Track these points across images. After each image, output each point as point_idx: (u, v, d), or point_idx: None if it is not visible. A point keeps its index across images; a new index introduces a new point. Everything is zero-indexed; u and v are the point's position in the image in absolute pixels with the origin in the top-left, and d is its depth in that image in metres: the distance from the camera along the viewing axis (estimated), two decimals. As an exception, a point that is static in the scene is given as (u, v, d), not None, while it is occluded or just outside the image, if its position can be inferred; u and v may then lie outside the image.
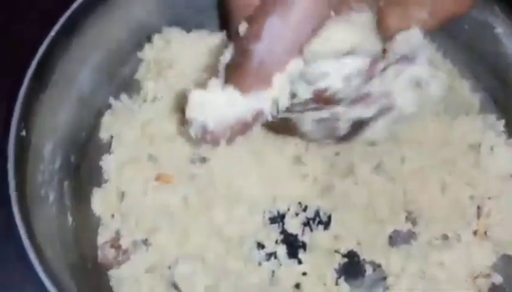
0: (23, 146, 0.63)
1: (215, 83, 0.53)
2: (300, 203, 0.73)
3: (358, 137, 0.59)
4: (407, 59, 0.54)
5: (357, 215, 0.71)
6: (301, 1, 0.49)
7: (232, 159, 0.73)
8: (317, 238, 0.71)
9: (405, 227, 0.71)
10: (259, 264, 0.71)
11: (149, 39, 0.77)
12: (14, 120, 0.62)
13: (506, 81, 0.73)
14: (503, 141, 0.72)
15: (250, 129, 0.54)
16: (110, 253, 0.70)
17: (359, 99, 0.54)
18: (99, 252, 0.71)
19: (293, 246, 0.72)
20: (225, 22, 0.59)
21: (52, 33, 0.66)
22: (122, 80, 0.78)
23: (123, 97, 0.77)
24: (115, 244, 0.70)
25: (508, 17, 0.69)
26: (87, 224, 0.71)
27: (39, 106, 0.65)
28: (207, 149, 0.55)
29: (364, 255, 0.70)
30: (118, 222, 0.71)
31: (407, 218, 0.71)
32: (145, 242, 0.70)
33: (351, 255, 0.71)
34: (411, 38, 0.55)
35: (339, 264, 0.70)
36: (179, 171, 0.73)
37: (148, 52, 0.78)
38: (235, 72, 0.52)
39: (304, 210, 0.73)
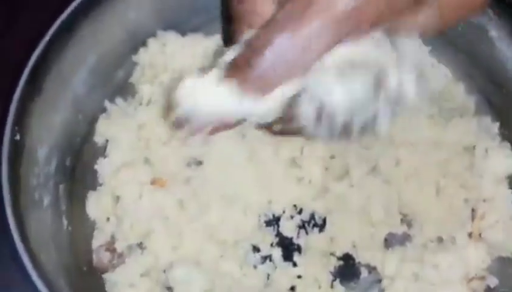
0: (17, 149, 0.63)
1: (215, 74, 0.52)
2: (295, 206, 0.73)
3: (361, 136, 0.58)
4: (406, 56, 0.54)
5: (353, 218, 0.71)
6: (310, 25, 0.48)
7: (227, 162, 0.73)
8: (312, 240, 0.71)
9: (400, 229, 0.71)
10: (255, 267, 0.71)
11: (144, 42, 0.77)
12: (8, 123, 0.62)
13: (500, 83, 0.73)
14: (497, 143, 0.72)
15: (230, 128, 0.54)
16: (106, 256, 0.70)
17: None
18: (94, 256, 0.71)
19: (288, 248, 0.72)
20: (226, 25, 0.59)
21: (47, 37, 0.66)
22: (117, 84, 0.78)
23: (118, 100, 0.77)
24: (110, 247, 0.70)
25: (502, 20, 0.69)
26: (82, 227, 0.71)
27: (33, 109, 0.65)
28: (184, 135, 0.55)
29: (359, 257, 0.71)
30: (114, 225, 0.71)
31: (402, 221, 0.71)
32: (140, 246, 0.70)
33: (347, 258, 0.71)
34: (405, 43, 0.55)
35: (334, 267, 0.70)
36: (174, 175, 0.73)
37: (143, 56, 0.77)
38: (240, 66, 0.50)
39: (300, 212, 0.73)
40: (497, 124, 0.74)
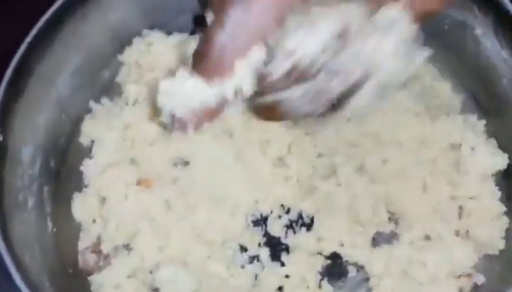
0: (0, 151, 0.62)
1: (182, 72, 0.54)
2: (282, 205, 0.73)
3: (345, 110, 0.58)
4: (388, 25, 0.54)
5: (340, 217, 0.71)
6: None
7: (214, 162, 0.73)
8: (299, 240, 0.71)
9: (387, 228, 0.71)
10: (242, 267, 0.70)
11: (129, 42, 0.77)
12: (-10, 125, 0.61)
13: (486, 81, 0.73)
14: (483, 141, 0.72)
15: (217, 116, 0.56)
16: (91, 258, 0.70)
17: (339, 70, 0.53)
18: (80, 258, 0.70)
19: (276, 248, 0.72)
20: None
21: (30, 37, 0.65)
22: (103, 84, 0.78)
23: (104, 100, 0.76)
24: (96, 249, 0.70)
25: (487, 18, 0.69)
26: (67, 229, 0.71)
27: (16, 110, 0.65)
28: (178, 134, 0.57)
29: (347, 256, 0.70)
30: (99, 227, 0.71)
31: (389, 219, 0.71)
32: (126, 247, 0.70)
33: (334, 257, 0.71)
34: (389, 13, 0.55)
35: (322, 266, 0.70)
36: (160, 175, 0.72)
37: (128, 55, 0.77)
38: (199, 60, 0.54)
39: (287, 212, 0.73)
40: (483, 121, 0.74)
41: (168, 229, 0.69)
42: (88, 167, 0.73)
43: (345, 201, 0.71)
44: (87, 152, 0.75)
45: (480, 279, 0.68)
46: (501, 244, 0.69)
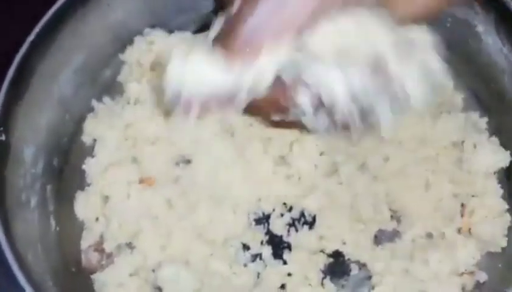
0: (2, 150, 0.62)
1: (201, 49, 0.51)
2: (284, 204, 0.73)
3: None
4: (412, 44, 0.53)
5: (342, 215, 0.71)
6: None
7: (216, 160, 0.73)
8: (302, 238, 0.71)
9: (389, 226, 0.71)
10: (245, 266, 0.70)
11: (131, 41, 0.77)
12: (-8, 124, 0.62)
13: (488, 79, 0.73)
14: (485, 138, 0.72)
15: (223, 108, 0.52)
16: (94, 257, 0.70)
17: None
18: (83, 256, 0.70)
19: (278, 246, 0.72)
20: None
21: (32, 36, 0.65)
22: (104, 83, 0.77)
23: (106, 99, 0.76)
24: (98, 248, 0.70)
25: (489, 15, 0.69)
26: (70, 228, 0.71)
27: (19, 109, 0.64)
28: (179, 120, 0.53)
29: (349, 254, 0.70)
30: (102, 226, 0.71)
31: (391, 217, 0.71)
32: (129, 245, 0.70)
33: (336, 255, 0.71)
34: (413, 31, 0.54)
35: (324, 264, 0.70)
36: (162, 174, 0.72)
37: (130, 54, 0.77)
38: (225, 36, 0.49)
39: (289, 210, 0.73)
40: (485, 119, 0.74)
41: (171, 228, 0.70)
42: (90, 166, 0.73)
43: (347, 199, 0.71)
44: (89, 151, 0.75)
45: (483, 277, 0.68)
46: (503, 242, 0.68)
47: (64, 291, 0.64)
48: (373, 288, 0.69)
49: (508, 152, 0.71)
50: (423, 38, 0.54)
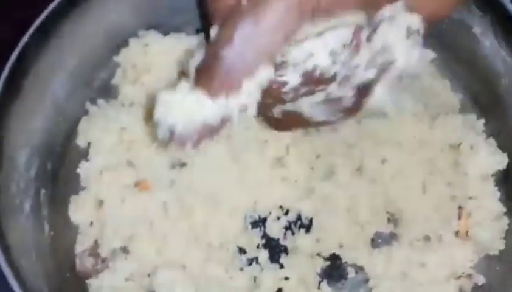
0: (-5, 155, 0.61)
1: (183, 86, 0.52)
2: (281, 207, 0.73)
3: (364, 107, 0.57)
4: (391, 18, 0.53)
5: (339, 218, 0.70)
6: (273, 9, 0.48)
7: (212, 164, 0.72)
8: (298, 241, 0.71)
9: (387, 228, 0.71)
10: (241, 269, 0.70)
11: (125, 43, 0.76)
12: (-16, 128, 0.61)
13: (485, 80, 0.73)
14: (483, 140, 0.72)
15: (217, 134, 0.53)
16: (89, 262, 0.69)
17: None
18: (77, 261, 0.70)
19: (275, 250, 0.71)
20: (205, 23, 0.59)
21: (25, 38, 0.65)
22: (99, 85, 0.77)
23: (100, 102, 0.76)
24: (93, 252, 0.69)
25: (485, 17, 0.68)
26: (64, 233, 0.70)
27: (11, 113, 0.64)
28: (175, 150, 0.55)
29: (346, 258, 0.70)
30: (97, 230, 0.70)
31: (388, 220, 0.71)
32: (124, 250, 0.69)
33: (333, 258, 0.70)
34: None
35: (321, 267, 0.70)
36: (157, 177, 0.72)
37: (124, 56, 0.76)
38: (204, 75, 0.51)
39: (286, 213, 0.73)
40: (482, 121, 0.74)
41: (166, 232, 0.69)
42: (85, 170, 0.73)
43: (343, 202, 0.71)
44: (84, 154, 0.74)
45: (481, 280, 0.68)
46: (501, 245, 0.68)
47: (58, 296, 0.63)
48: (370, 291, 0.69)
49: (505, 154, 0.70)
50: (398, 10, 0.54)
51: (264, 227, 0.72)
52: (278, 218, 0.72)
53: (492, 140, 0.72)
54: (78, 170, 0.73)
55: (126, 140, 0.73)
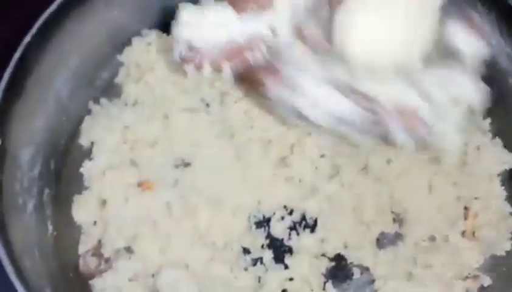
0: (-1, 154, 0.61)
1: (210, 3, 0.49)
2: (285, 206, 0.72)
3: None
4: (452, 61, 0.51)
5: (344, 218, 0.70)
6: None
7: (215, 163, 0.72)
8: (303, 242, 0.70)
9: (392, 228, 0.70)
10: (245, 270, 0.69)
11: (129, 41, 0.76)
12: (-12, 128, 0.61)
13: (490, 79, 0.72)
14: (489, 140, 0.71)
15: (241, 56, 0.49)
16: (92, 262, 0.69)
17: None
18: (80, 261, 0.69)
19: (279, 250, 0.71)
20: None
21: (27, 38, 0.64)
22: (102, 84, 0.77)
23: (103, 101, 0.75)
24: (97, 252, 0.69)
25: (491, 15, 0.68)
26: (68, 232, 0.70)
27: (15, 112, 0.64)
28: (192, 74, 0.51)
29: (351, 258, 0.70)
30: (100, 230, 0.70)
31: (394, 220, 0.70)
32: (128, 250, 0.69)
33: (338, 259, 0.70)
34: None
35: (326, 268, 0.69)
36: (161, 177, 0.71)
37: (128, 55, 0.76)
38: None
39: (290, 213, 0.72)
40: (488, 120, 0.73)
41: (170, 232, 0.69)
42: (88, 169, 0.72)
43: (348, 202, 0.70)
44: (87, 154, 0.74)
45: (487, 281, 0.68)
46: (507, 245, 0.68)
47: (62, 297, 0.63)
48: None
49: (512, 154, 0.70)
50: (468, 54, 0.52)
51: (269, 227, 0.72)
52: (283, 218, 0.72)
53: (498, 140, 0.72)
54: (81, 170, 0.72)
55: (130, 139, 0.73)
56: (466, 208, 0.70)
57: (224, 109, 0.74)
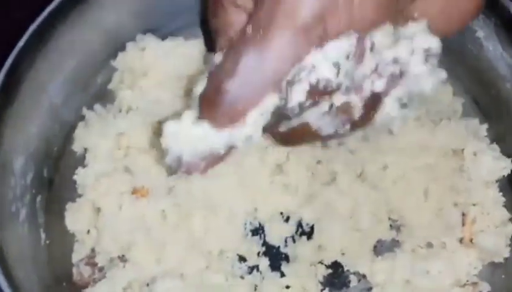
0: (-10, 162, 0.60)
1: (188, 116, 0.53)
2: (281, 213, 0.71)
3: (372, 120, 0.55)
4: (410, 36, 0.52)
5: (341, 225, 0.69)
6: (278, 38, 0.46)
7: (211, 169, 0.71)
8: (300, 249, 0.70)
9: (389, 235, 0.70)
10: (242, 278, 0.69)
11: (123, 47, 0.75)
12: (-20, 135, 0.60)
13: (488, 84, 0.72)
14: (486, 146, 0.71)
15: (224, 159, 0.54)
16: (86, 271, 0.68)
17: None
18: (74, 270, 0.68)
19: (275, 258, 0.70)
20: (210, 38, 0.58)
21: (20, 43, 0.63)
22: (95, 90, 0.76)
23: (97, 107, 0.74)
24: (90, 261, 0.68)
25: (489, 21, 0.67)
26: (61, 241, 0.69)
27: (7, 119, 0.63)
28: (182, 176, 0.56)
29: (348, 265, 0.69)
30: (94, 238, 0.69)
31: (391, 227, 0.70)
32: (122, 258, 0.68)
33: (335, 266, 0.69)
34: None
35: (323, 275, 0.69)
36: (155, 184, 0.70)
37: (121, 61, 0.75)
38: (208, 107, 0.51)
39: (287, 220, 0.71)
40: (486, 126, 0.73)
41: (165, 240, 0.68)
42: (82, 176, 0.71)
43: (345, 209, 0.70)
44: (80, 161, 0.73)
45: (485, 288, 0.67)
46: (506, 252, 0.67)
47: (55, 306, 0.62)
48: (373, 300, 0.68)
49: (510, 160, 0.69)
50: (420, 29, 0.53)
51: (265, 235, 0.71)
52: (279, 225, 0.71)
53: (495, 146, 0.71)
54: (75, 177, 0.71)
55: (124, 146, 0.72)
56: (463, 214, 0.70)
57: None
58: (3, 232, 0.60)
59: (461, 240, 0.69)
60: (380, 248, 0.70)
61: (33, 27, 0.64)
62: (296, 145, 0.64)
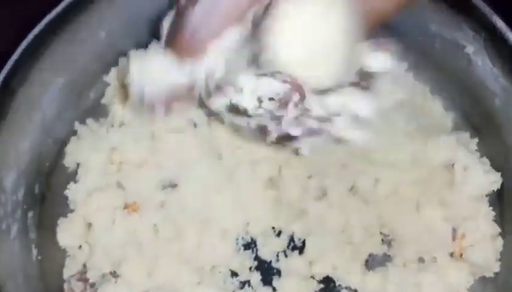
0: (-19, 179, 0.60)
1: (155, 47, 0.52)
2: (273, 228, 0.72)
3: (287, 146, 0.57)
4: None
5: (332, 239, 0.69)
6: None
7: (203, 184, 0.71)
8: (291, 264, 0.70)
9: (381, 250, 0.70)
10: (233, 293, 0.69)
11: (115, 62, 0.75)
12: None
13: (477, 99, 0.72)
14: (476, 160, 0.71)
15: (187, 99, 0.54)
16: (78, 287, 0.68)
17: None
18: (65, 286, 0.68)
19: (267, 273, 0.70)
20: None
21: (14, 57, 0.64)
22: (88, 105, 0.76)
23: (90, 121, 0.74)
24: (82, 277, 0.68)
25: (478, 36, 0.68)
26: (52, 257, 0.69)
27: (-1, 135, 0.63)
28: (147, 116, 0.56)
29: (340, 280, 0.69)
30: (86, 254, 0.69)
31: (382, 241, 0.70)
32: (114, 274, 0.68)
33: (327, 281, 0.69)
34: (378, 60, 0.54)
35: (315, 291, 0.69)
36: (147, 199, 0.71)
37: (114, 76, 0.75)
38: (172, 38, 0.51)
39: (278, 235, 0.71)
40: (476, 140, 0.73)
41: (157, 255, 0.68)
42: (73, 192, 0.71)
43: (336, 223, 0.70)
44: (72, 176, 0.73)
45: (477, 302, 0.67)
46: (496, 267, 0.68)
47: (46, 323, 0.62)
48: (365, 314, 0.68)
49: (499, 174, 0.70)
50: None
51: (256, 249, 0.71)
52: (271, 240, 0.71)
53: (485, 160, 0.71)
54: (66, 192, 0.72)
55: (116, 160, 0.72)
56: (454, 229, 0.70)
57: (212, 130, 0.73)
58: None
59: (451, 255, 0.69)
60: (371, 262, 0.70)
61: (25, 42, 0.64)
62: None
